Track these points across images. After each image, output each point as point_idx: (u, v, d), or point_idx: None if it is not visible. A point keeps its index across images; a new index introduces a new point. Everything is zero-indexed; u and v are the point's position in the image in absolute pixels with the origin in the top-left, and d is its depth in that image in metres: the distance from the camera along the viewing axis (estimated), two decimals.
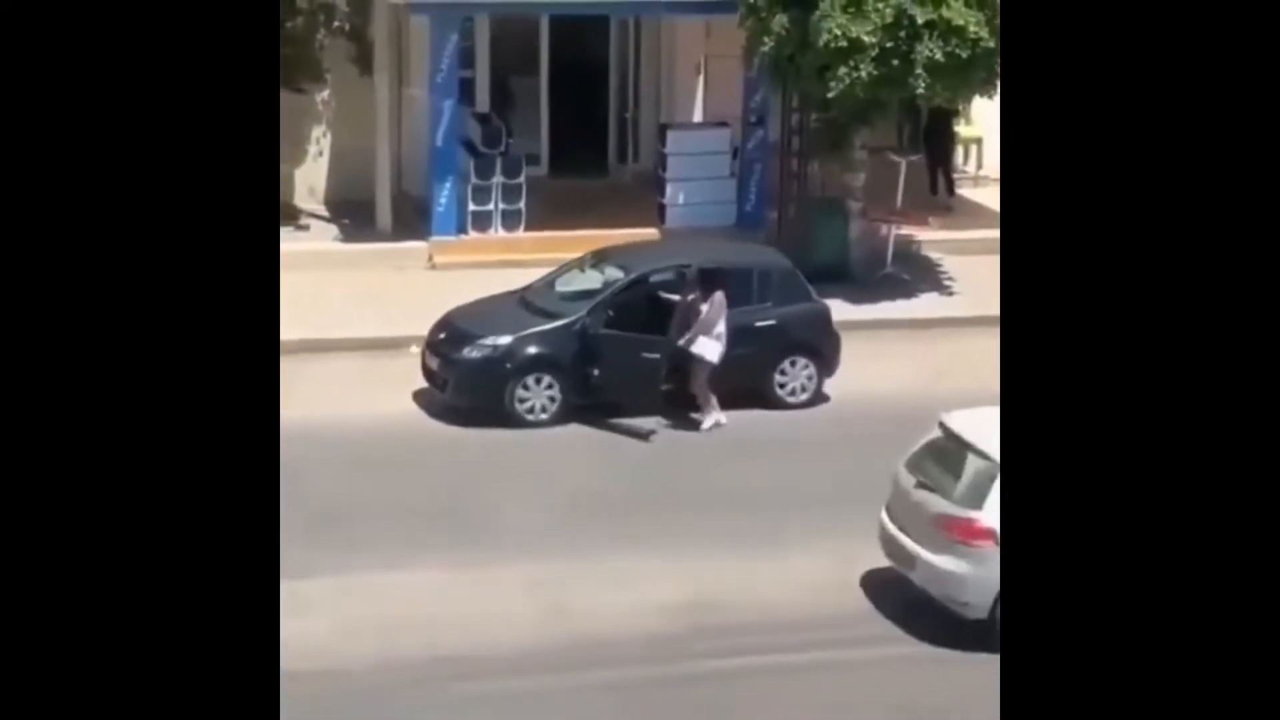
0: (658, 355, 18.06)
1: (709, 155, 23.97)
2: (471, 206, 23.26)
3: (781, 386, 18.91)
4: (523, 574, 14.74)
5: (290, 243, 23.21)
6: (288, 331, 19.86)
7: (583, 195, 24.58)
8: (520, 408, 18.16)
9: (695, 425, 18.20)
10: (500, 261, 22.24)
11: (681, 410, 18.31)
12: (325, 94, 24.54)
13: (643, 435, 17.99)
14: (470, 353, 18.32)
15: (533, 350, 18.24)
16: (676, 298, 18.41)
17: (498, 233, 23.35)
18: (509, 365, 18.17)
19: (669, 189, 23.88)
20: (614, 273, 18.88)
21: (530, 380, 18.17)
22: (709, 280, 18.30)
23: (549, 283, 19.37)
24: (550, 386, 18.19)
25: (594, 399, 18.24)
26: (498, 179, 23.39)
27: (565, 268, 19.55)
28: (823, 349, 19.11)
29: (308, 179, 24.97)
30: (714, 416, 18.25)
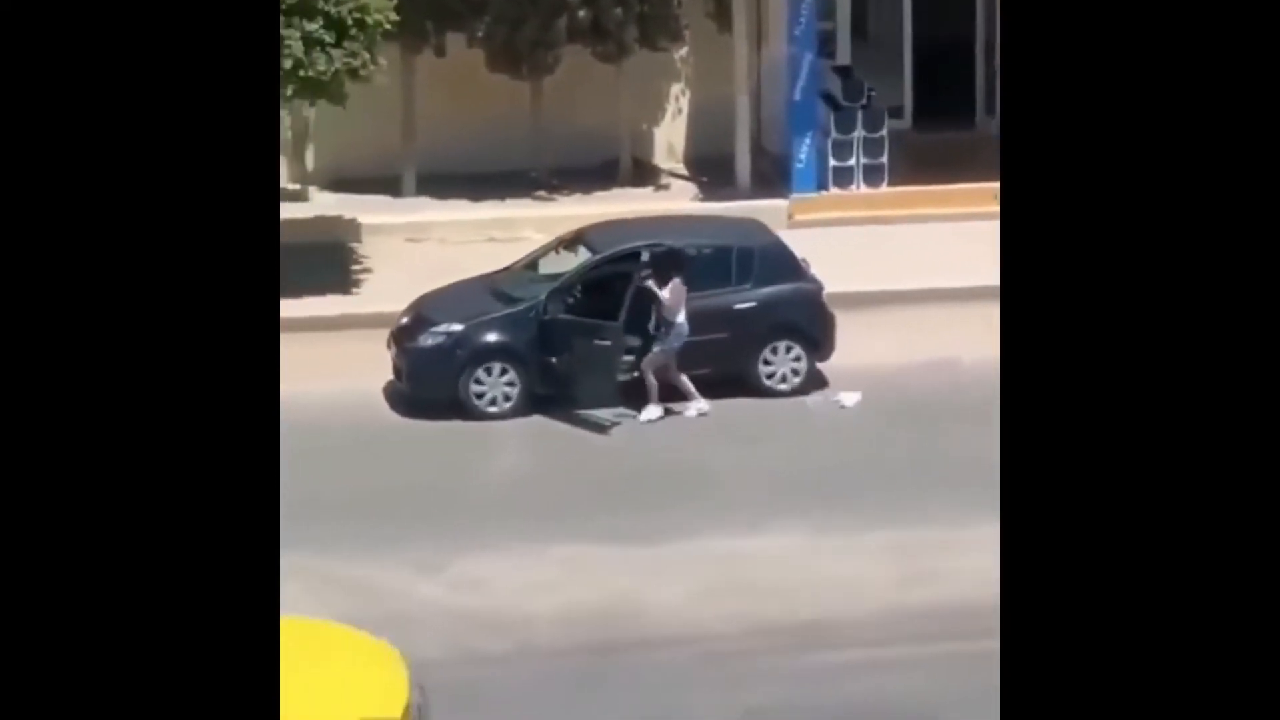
0: (609, 342, 16.76)
1: None
2: (832, 162, 22.86)
3: (768, 374, 17.46)
4: (881, 540, 14.44)
5: (652, 202, 23.23)
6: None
7: (948, 149, 23.89)
8: (476, 398, 17.03)
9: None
10: (862, 218, 21.89)
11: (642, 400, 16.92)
12: (683, 51, 24.41)
13: (602, 428, 16.74)
14: (423, 340, 17.24)
15: (489, 338, 17.06)
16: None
17: (859, 189, 22.90)
18: (460, 353, 17.01)
19: None
20: (585, 253, 17.63)
21: (487, 369, 17.02)
22: (664, 262, 16.94)
23: (527, 265, 18.23)
24: (508, 375, 17.05)
25: (556, 389, 16.98)
26: (859, 133, 22.94)
27: (545, 248, 18.42)
28: (811, 332, 17.50)
29: (667, 137, 24.91)
30: (653, 410, 16.89)
